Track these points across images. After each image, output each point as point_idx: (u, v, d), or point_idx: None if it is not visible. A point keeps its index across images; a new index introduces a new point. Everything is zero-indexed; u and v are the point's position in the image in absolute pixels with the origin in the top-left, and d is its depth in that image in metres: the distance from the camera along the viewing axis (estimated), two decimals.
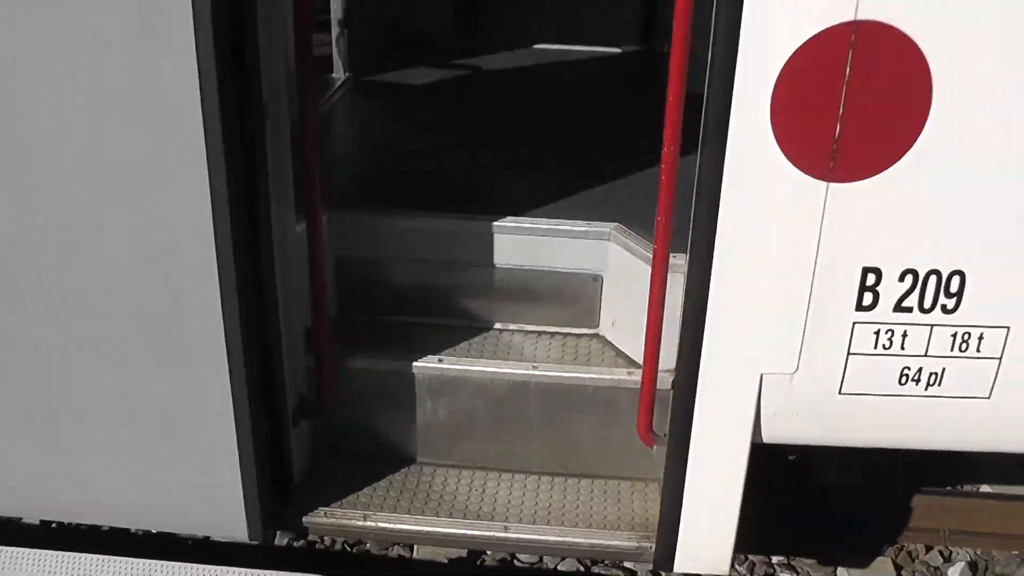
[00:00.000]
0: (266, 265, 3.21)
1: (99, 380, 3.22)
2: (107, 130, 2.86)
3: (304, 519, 3.52)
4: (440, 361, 3.61)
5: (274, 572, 3.44)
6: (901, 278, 3.03)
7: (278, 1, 3.11)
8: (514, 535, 3.46)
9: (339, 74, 5.35)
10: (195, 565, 3.44)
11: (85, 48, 2.76)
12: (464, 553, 4.13)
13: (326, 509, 3.53)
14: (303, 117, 3.26)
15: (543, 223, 3.74)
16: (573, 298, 3.79)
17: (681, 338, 3.17)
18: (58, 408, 3.29)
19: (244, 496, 3.35)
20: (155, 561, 3.44)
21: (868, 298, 3.04)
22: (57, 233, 3.01)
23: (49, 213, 2.99)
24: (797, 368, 3.12)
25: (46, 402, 3.28)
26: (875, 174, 2.90)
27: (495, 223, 3.73)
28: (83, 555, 3.47)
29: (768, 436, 3.25)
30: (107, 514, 3.60)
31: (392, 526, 3.50)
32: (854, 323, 3.07)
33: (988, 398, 3.20)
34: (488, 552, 4.07)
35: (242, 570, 3.44)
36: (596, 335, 3.82)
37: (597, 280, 3.77)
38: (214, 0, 2.71)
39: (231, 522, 3.40)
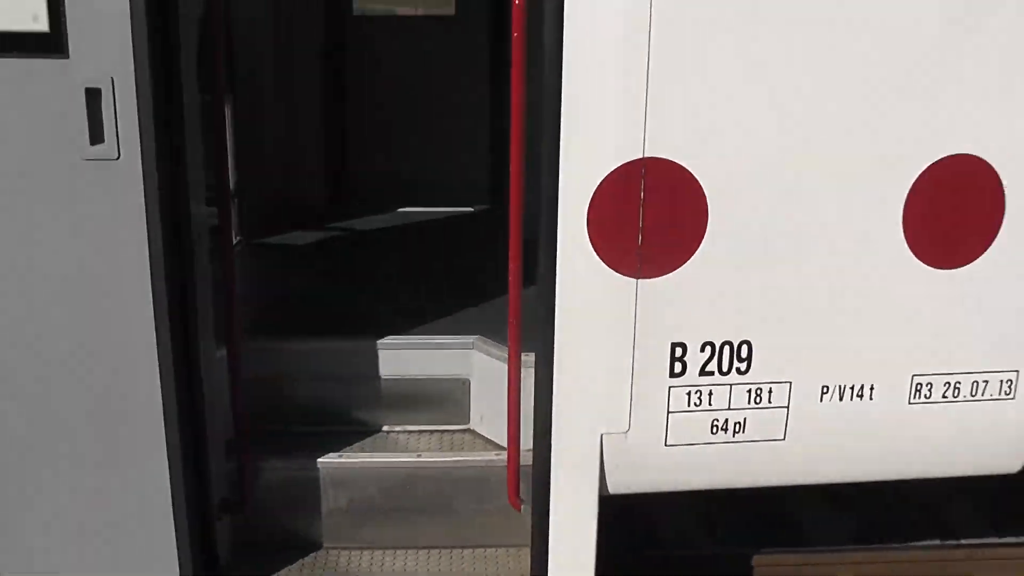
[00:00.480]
0: (196, 387, 3.96)
1: (54, 482, 3.89)
2: (87, 293, 3.67)
3: None
4: (340, 456, 4.39)
5: None
6: (702, 349, 3.92)
7: (198, 179, 3.96)
8: None
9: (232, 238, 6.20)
10: None
11: (70, 230, 3.61)
12: None
13: None
14: (223, 264, 4.10)
15: (417, 339, 4.62)
16: (447, 400, 4.63)
17: (535, 416, 4.00)
18: (10, 510, 3.93)
19: None
20: None
21: (678, 367, 3.92)
22: (31, 359, 3.74)
23: (26, 343, 3.73)
24: (629, 427, 3.96)
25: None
26: (672, 271, 3.81)
27: (379, 341, 4.59)
28: None
29: (612, 487, 4.06)
30: None
31: None
32: (669, 387, 3.93)
33: (783, 439, 4.09)
34: None
35: None
36: (468, 429, 4.65)
37: (465, 383, 4.63)
38: (162, 201, 3.59)
39: None
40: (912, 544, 5.61)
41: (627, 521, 5.38)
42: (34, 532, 3.96)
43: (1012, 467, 4.41)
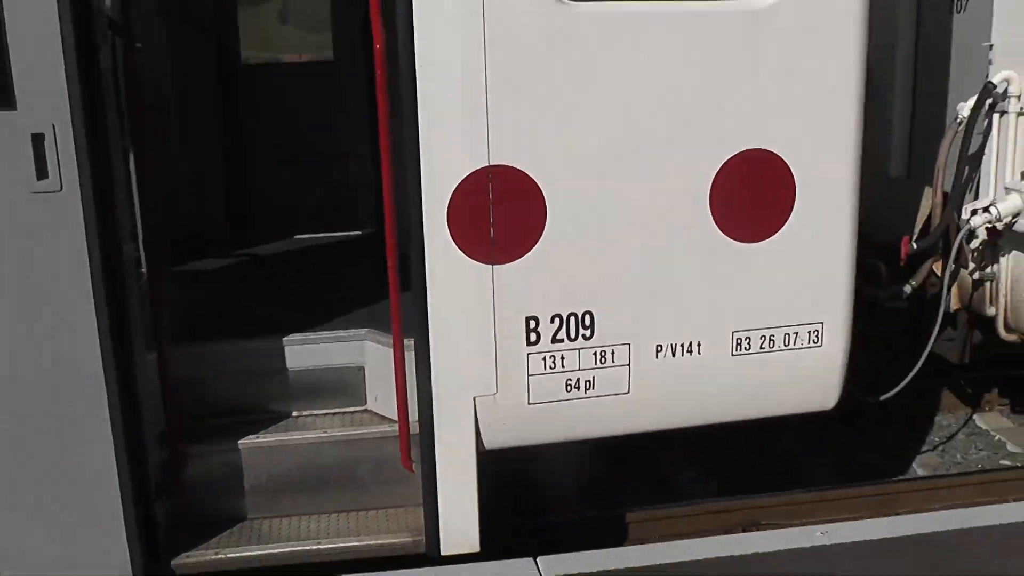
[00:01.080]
0: (133, 388, 4.88)
1: (11, 468, 4.78)
2: (36, 306, 4.62)
3: (172, 562, 5.12)
4: (257, 438, 5.35)
5: None
6: (552, 320, 4.97)
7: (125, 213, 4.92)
8: (325, 546, 5.18)
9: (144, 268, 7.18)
10: None
11: (21, 251, 4.55)
12: None
13: (187, 553, 5.14)
14: (153, 281, 5.08)
15: (317, 335, 5.63)
16: (346, 385, 5.63)
17: (418, 388, 5.00)
18: None
19: (128, 549, 4.92)
20: None
21: (533, 336, 4.96)
22: None
23: None
24: (497, 390, 4.99)
25: None
26: (520, 257, 4.86)
27: (283, 339, 5.59)
28: None
29: (487, 443, 5.06)
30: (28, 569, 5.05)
31: (237, 555, 5.15)
32: (527, 354, 4.97)
33: (628, 393, 5.14)
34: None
35: None
36: (366, 409, 5.66)
37: (360, 370, 5.63)
38: (99, 225, 4.55)
39: (119, 569, 4.97)
40: (768, 493, 6.74)
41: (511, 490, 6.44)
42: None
43: (826, 404, 5.52)
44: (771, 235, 5.15)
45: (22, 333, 4.63)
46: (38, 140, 4.44)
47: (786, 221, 5.14)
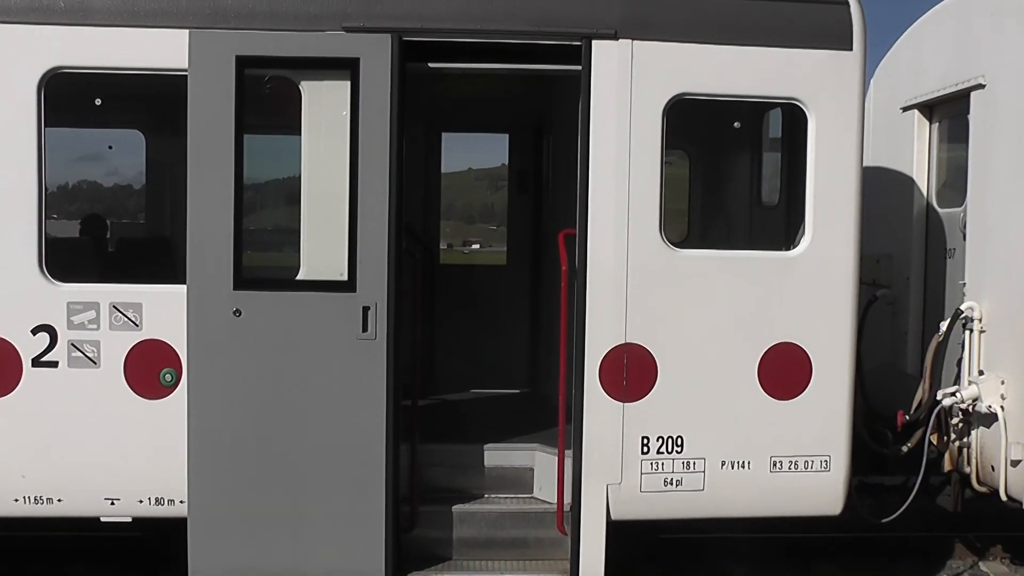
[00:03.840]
0: (397, 465, 8.41)
1: (322, 497, 8.33)
2: (370, 406, 8.28)
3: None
4: (463, 506, 8.93)
5: None
6: (657, 439, 8.53)
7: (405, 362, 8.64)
8: None
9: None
10: None
11: (348, 373, 8.28)
12: None
13: (417, 572, 8.64)
14: (412, 402, 8.81)
15: (503, 446, 9.32)
16: (521, 479, 9.27)
17: (572, 480, 8.52)
18: (300, 508, 8.32)
19: (384, 565, 8.39)
20: None
21: (645, 448, 8.48)
22: (307, 432, 8.32)
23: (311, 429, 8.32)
24: (621, 480, 8.50)
25: (294, 505, 8.31)
26: (641, 399, 8.48)
27: (483, 446, 9.25)
28: None
29: (614, 516, 8.51)
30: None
31: None
32: (641, 460, 8.48)
33: (703, 491, 8.62)
34: None
35: None
36: (532, 496, 9.26)
37: (531, 470, 9.26)
38: (396, 363, 8.27)
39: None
40: None
41: None
42: (319, 521, 8.33)
43: (834, 510, 8.90)
44: (797, 395, 8.67)
45: (346, 427, 8.22)
46: (366, 310, 8.16)
47: (807, 387, 8.66)
